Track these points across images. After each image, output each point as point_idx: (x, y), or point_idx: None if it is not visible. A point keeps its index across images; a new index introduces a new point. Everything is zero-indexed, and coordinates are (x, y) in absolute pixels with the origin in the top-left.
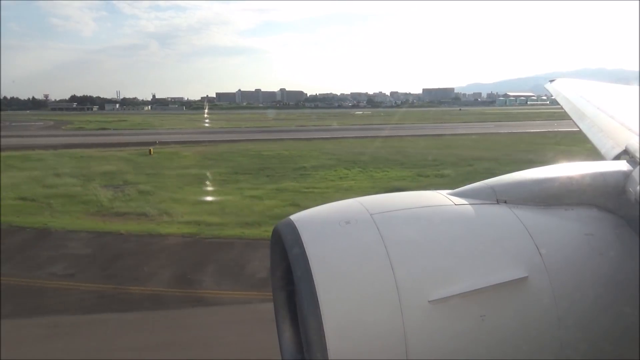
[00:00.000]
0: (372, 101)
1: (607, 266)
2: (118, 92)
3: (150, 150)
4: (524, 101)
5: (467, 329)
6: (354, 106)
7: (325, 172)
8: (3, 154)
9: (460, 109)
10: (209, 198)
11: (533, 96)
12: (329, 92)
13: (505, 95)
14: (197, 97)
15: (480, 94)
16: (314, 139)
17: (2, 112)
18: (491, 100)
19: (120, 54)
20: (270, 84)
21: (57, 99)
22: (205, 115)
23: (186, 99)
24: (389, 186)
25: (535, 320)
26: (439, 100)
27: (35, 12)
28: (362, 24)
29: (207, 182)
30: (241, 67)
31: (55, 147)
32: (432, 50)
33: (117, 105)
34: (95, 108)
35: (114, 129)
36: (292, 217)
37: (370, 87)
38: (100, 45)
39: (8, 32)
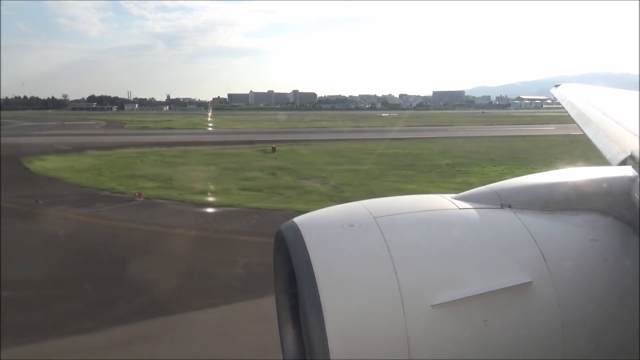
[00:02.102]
0: (387, 103)
1: (611, 272)
2: (129, 93)
3: (273, 147)
4: (540, 105)
5: (470, 334)
6: (371, 108)
7: (476, 168)
8: (123, 150)
9: (483, 112)
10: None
11: (548, 100)
12: (337, 94)
13: (520, 99)
14: (209, 98)
15: (489, 96)
16: (399, 139)
17: (23, 112)
18: (506, 103)
19: (127, 54)
20: (278, 86)
21: (71, 99)
22: (223, 116)
23: (198, 99)
24: None
25: (539, 325)
26: (452, 103)
27: (42, 12)
28: (368, 26)
29: (390, 177)
30: (247, 68)
31: (159, 144)
32: (439, 52)
33: (136, 106)
34: (114, 108)
35: (179, 129)
36: (296, 219)
37: (378, 89)
38: (106, 46)
39: (15, 32)
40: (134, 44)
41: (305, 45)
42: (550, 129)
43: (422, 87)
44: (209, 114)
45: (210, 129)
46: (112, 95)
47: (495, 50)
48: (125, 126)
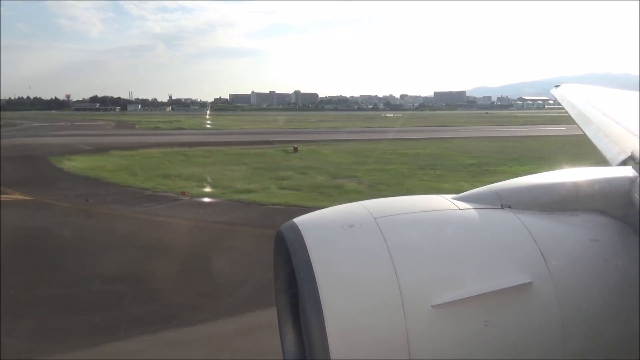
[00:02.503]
0: (390, 104)
1: (612, 272)
2: (131, 93)
3: (295, 147)
4: (542, 105)
5: (470, 334)
6: (373, 108)
7: (503, 168)
8: (147, 150)
9: (487, 112)
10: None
11: (550, 100)
12: (338, 94)
13: (522, 99)
14: (210, 99)
15: (489, 97)
16: (414, 139)
17: (28, 112)
18: (508, 104)
19: (127, 54)
20: (278, 86)
21: (73, 100)
22: (228, 116)
23: (199, 100)
24: None
25: (540, 326)
26: (454, 103)
27: (42, 12)
28: (367, 27)
29: (422, 177)
30: (247, 68)
31: (179, 144)
32: (439, 53)
33: (139, 106)
34: (117, 109)
35: (191, 129)
36: (296, 220)
37: (379, 90)
38: (107, 46)
39: (15, 32)
40: (134, 45)
41: (305, 45)
42: (561, 129)
43: (423, 88)
44: (211, 114)
45: (222, 129)
46: (113, 95)
47: (494, 50)
48: (136, 126)
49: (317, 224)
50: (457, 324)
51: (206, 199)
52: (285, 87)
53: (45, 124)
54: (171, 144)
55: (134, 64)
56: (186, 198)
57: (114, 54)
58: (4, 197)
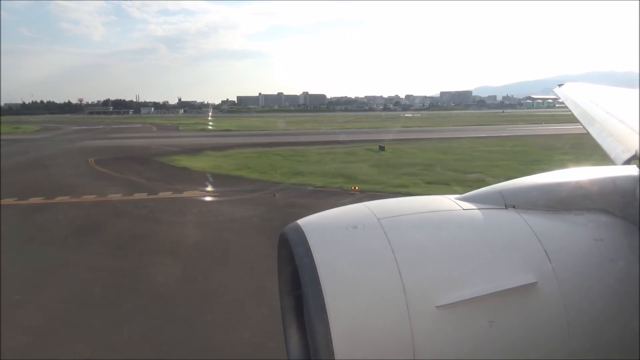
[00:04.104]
0: (399, 104)
1: (617, 272)
2: (137, 96)
3: (382, 146)
4: (552, 104)
5: (475, 335)
6: (384, 109)
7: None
8: (239, 150)
9: (503, 112)
10: None
11: (559, 99)
12: (343, 95)
13: (531, 98)
14: (217, 101)
15: (495, 96)
16: (476, 137)
17: (42, 116)
18: (517, 103)
19: (129, 58)
20: (282, 87)
21: (85, 103)
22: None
23: (207, 102)
24: None
25: (544, 326)
26: (464, 103)
27: (45, 16)
28: (370, 27)
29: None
30: (250, 70)
31: (253, 145)
32: (443, 53)
33: (152, 109)
34: (130, 112)
35: (237, 131)
36: (300, 221)
37: (384, 90)
38: (109, 50)
39: (18, 36)
40: (137, 48)
41: (308, 47)
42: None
43: (426, 88)
44: (225, 116)
45: (268, 130)
46: (125, 99)
47: (497, 50)
48: (180, 128)
49: (320, 225)
50: (461, 324)
51: (375, 193)
52: (290, 88)
53: (83, 128)
54: (249, 145)
55: (137, 67)
56: (359, 193)
57: (116, 57)
58: (197, 192)
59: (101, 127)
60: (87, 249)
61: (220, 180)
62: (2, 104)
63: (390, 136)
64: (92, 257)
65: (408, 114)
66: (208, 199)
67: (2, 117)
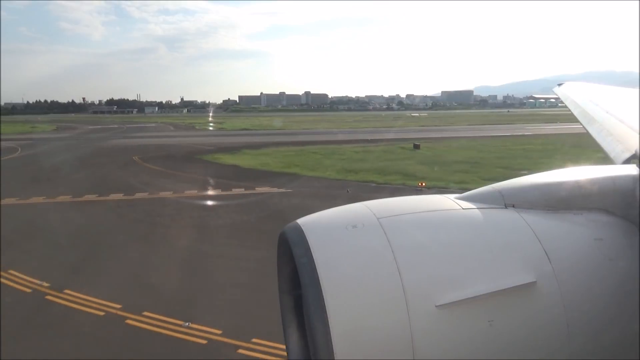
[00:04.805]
0: (402, 104)
1: (616, 271)
2: (139, 95)
3: (416, 145)
4: (555, 103)
5: (474, 334)
6: (388, 108)
7: None
8: (276, 149)
9: (508, 111)
10: None
11: (559, 98)
12: (344, 94)
13: (533, 98)
14: (218, 100)
15: (495, 96)
16: (500, 136)
17: (47, 116)
18: (518, 102)
19: (129, 57)
20: (282, 87)
21: (88, 102)
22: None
23: (208, 101)
24: None
25: (544, 325)
26: (465, 102)
27: (45, 16)
28: (370, 27)
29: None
30: (250, 70)
31: (285, 144)
32: (442, 53)
33: (156, 109)
34: (134, 111)
35: (257, 130)
36: (299, 221)
37: (384, 90)
38: (109, 49)
39: (18, 36)
40: (136, 47)
41: (308, 46)
42: None
43: (426, 87)
44: (231, 115)
45: (287, 130)
46: (116, 97)
47: (496, 49)
48: (197, 128)
49: (320, 224)
50: (461, 324)
51: (443, 189)
52: (291, 88)
53: (99, 127)
54: (279, 144)
55: (136, 66)
56: (425, 188)
57: (116, 57)
58: (267, 188)
59: (116, 126)
60: None
61: (278, 177)
62: (3, 103)
63: (413, 135)
64: None
65: (415, 114)
66: (290, 192)
67: (7, 117)
